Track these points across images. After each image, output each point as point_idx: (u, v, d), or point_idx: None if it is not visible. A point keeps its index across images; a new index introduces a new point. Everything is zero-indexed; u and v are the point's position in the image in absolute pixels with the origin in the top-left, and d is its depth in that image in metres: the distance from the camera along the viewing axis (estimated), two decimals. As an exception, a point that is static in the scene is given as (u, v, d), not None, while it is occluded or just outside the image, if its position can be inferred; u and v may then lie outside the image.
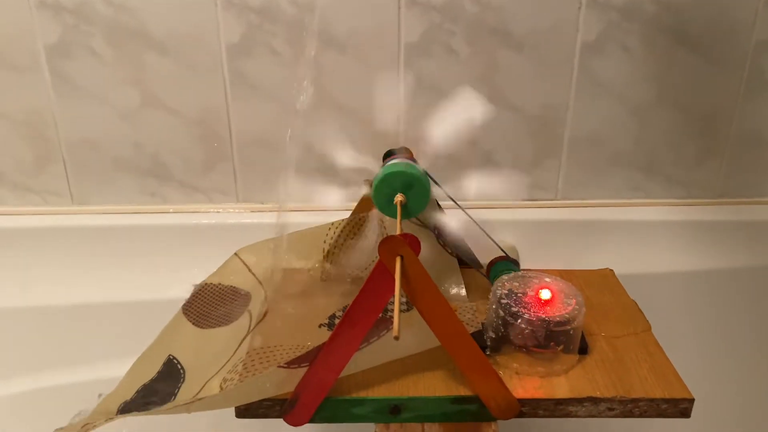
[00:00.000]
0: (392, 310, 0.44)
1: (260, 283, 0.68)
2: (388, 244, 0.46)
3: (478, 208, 0.98)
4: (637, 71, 0.91)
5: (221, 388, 0.53)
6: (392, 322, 0.43)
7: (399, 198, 0.56)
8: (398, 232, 0.54)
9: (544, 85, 0.92)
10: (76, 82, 0.89)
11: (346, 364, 0.49)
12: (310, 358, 0.50)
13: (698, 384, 0.96)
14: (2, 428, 0.90)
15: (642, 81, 0.92)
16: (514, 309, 0.53)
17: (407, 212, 0.57)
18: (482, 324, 0.57)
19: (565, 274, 0.68)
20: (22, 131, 0.91)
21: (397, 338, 0.39)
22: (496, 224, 0.98)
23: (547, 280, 0.57)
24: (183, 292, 0.94)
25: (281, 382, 0.51)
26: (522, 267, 0.95)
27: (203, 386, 0.55)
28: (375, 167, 0.71)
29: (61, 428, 0.52)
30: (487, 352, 0.56)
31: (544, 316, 0.52)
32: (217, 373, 0.56)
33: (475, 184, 0.59)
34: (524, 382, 0.53)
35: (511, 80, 0.91)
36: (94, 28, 0.86)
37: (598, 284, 0.67)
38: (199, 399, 0.52)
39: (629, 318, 0.61)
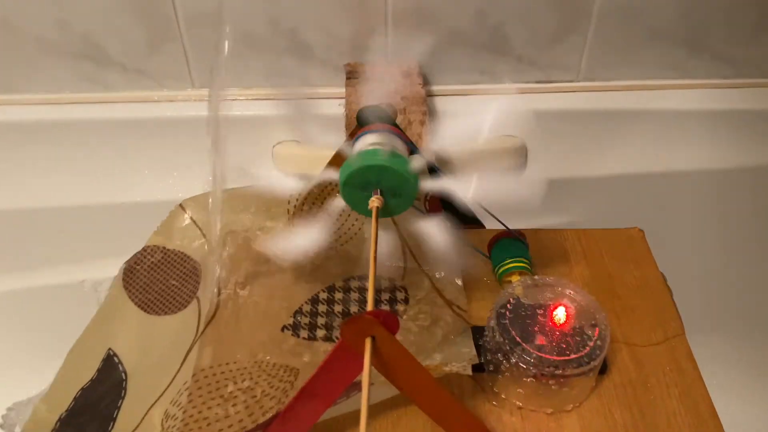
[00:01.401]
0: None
1: (212, 250, 0.56)
2: (353, 326, 0.33)
3: (478, 93, 0.83)
4: None
5: (162, 427, 0.45)
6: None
7: (374, 203, 0.42)
8: (373, 245, 0.41)
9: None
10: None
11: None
12: (263, 427, 0.40)
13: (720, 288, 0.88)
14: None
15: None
16: (516, 346, 0.42)
17: (387, 212, 0.44)
18: (482, 333, 0.47)
19: (584, 235, 0.56)
20: None
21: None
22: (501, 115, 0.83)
23: (567, 293, 0.45)
24: (135, 196, 0.82)
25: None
26: (530, 169, 0.82)
27: (144, 416, 0.46)
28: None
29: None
30: (484, 375, 0.46)
31: (552, 358, 0.42)
32: (160, 397, 0.47)
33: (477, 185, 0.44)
34: (527, 423, 0.44)
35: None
36: None
37: (623, 252, 0.55)
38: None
39: (659, 314, 0.50)
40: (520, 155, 0.81)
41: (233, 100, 0.81)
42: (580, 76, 0.82)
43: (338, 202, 0.45)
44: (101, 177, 0.82)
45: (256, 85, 0.80)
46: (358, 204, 0.43)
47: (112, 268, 0.77)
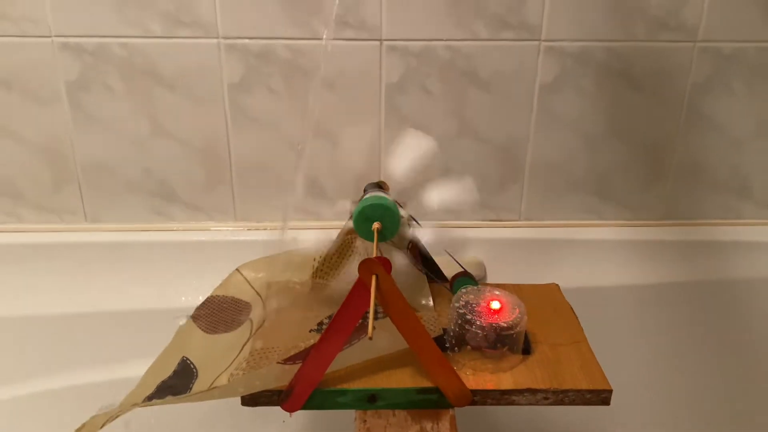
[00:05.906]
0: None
1: (258, 294, 0.79)
2: (366, 265, 0.58)
3: (449, 227, 1.11)
4: (589, 107, 1.04)
5: (228, 381, 0.65)
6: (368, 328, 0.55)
7: (376, 226, 0.68)
8: (375, 254, 0.66)
9: (508, 119, 1.04)
10: (93, 113, 1.00)
11: (332, 362, 0.61)
12: (303, 356, 0.62)
13: (639, 382, 1.08)
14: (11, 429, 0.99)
15: (594, 116, 1.04)
16: (469, 317, 0.65)
17: (383, 236, 0.69)
18: (444, 329, 0.69)
19: (516, 289, 0.81)
20: (42, 156, 1.02)
21: (371, 338, 0.51)
22: (465, 242, 1.11)
23: (497, 293, 0.69)
24: (187, 302, 1.05)
25: (279, 377, 0.62)
26: (488, 279, 1.08)
27: (214, 381, 0.66)
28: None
29: (94, 417, 0.63)
30: (448, 353, 0.68)
31: (493, 322, 0.65)
32: (225, 369, 0.67)
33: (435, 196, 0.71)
34: (477, 376, 0.65)
35: (479, 115, 1.04)
36: (110, 66, 0.97)
37: (544, 298, 0.79)
38: (211, 389, 0.63)
39: (569, 329, 0.73)
40: (480, 269, 1.07)
41: (264, 229, 1.09)
42: (522, 216, 1.12)
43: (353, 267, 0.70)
44: (161, 288, 1.06)
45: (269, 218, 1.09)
46: (363, 231, 0.69)
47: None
